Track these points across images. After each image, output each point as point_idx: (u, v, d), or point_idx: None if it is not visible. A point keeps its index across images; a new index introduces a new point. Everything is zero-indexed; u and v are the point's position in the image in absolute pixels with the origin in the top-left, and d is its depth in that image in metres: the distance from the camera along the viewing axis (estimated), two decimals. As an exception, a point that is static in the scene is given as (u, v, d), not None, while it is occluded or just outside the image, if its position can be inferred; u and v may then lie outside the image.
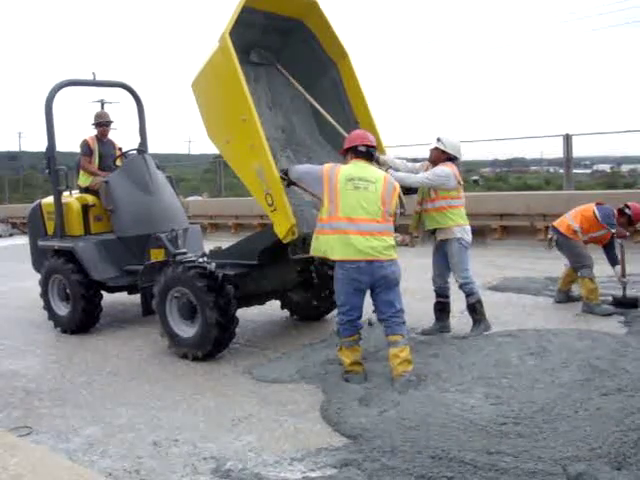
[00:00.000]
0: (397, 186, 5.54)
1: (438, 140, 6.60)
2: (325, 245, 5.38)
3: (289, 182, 5.78)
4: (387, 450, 4.08)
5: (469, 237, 6.58)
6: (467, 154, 15.62)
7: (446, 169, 6.43)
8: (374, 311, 5.60)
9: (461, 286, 6.58)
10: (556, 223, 7.99)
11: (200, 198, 22.66)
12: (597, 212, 7.64)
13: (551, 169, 31.77)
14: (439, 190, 6.45)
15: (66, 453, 4.42)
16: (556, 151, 18.25)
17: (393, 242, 5.40)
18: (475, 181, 28.34)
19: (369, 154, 5.60)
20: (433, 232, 6.67)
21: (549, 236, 7.98)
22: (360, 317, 5.50)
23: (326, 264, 7.42)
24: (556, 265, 10.50)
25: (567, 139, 14.31)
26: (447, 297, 6.84)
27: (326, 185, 5.38)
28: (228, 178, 23.82)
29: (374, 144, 5.66)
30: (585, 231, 7.71)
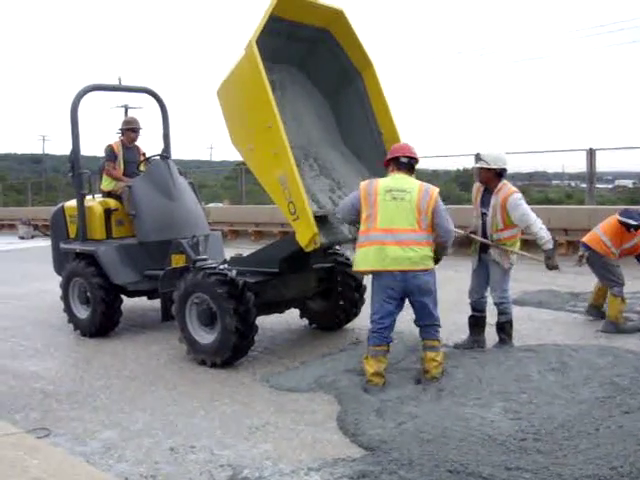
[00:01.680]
0: (434, 194, 5.52)
1: (479, 158, 6.42)
2: (359, 258, 5.49)
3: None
4: (405, 463, 4.05)
5: (515, 261, 6.47)
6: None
7: (518, 195, 6.23)
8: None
9: (497, 304, 6.49)
10: (586, 239, 7.71)
11: (221, 205, 22.74)
12: (624, 219, 7.40)
13: (572, 183, 31.52)
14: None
15: (83, 456, 4.43)
16: (578, 165, 18.15)
17: (429, 252, 5.45)
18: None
19: (410, 166, 5.72)
20: (482, 248, 6.48)
21: (580, 253, 7.70)
22: (391, 328, 5.54)
23: (347, 274, 7.44)
24: (577, 280, 10.45)
25: (590, 154, 14.22)
26: (482, 311, 6.71)
27: (364, 200, 5.51)
28: (249, 185, 23.89)
29: (416, 156, 5.77)
30: (617, 244, 7.49)
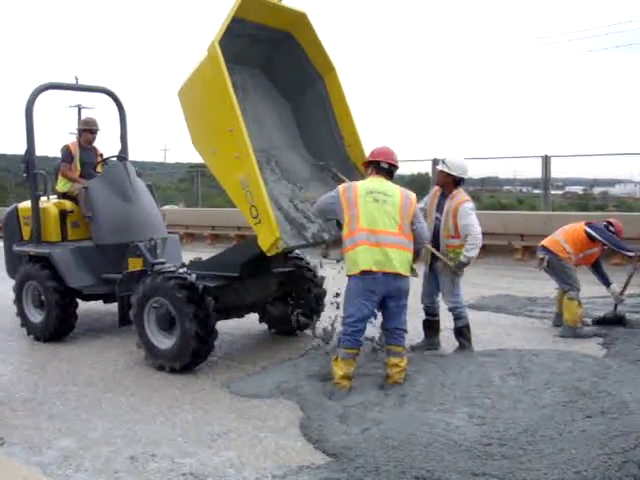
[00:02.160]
0: (413, 199, 5.59)
1: (442, 163, 6.55)
2: (351, 262, 5.41)
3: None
4: (371, 470, 4.02)
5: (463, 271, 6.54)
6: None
7: (470, 205, 6.36)
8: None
9: (451, 309, 6.57)
10: (546, 243, 7.85)
11: (176, 207, 22.51)
12: (593, 233, 7.62)
13: (524, 189, 32.00)
14: None
15: (40, 467, 4.30)
16: (529, 172, 18.46)
17: (409, 257, 5.47)
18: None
19: (389, 172, 5.72)
20: (433, 255, 6.55)
21: (540, 256, 7.82)
22: (363, 331, 5.51)
23: (307, 278, 7.40)
24: (533, 285, 10.60)
25: (546, 160, 14.45)
26: (435, 315, 6.83)
27: (345, 202, 5.48)
28: (204, 188, 23.70)
29: (397, 164, 5.78)
30: (578, 251, 7.66)
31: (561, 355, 6.03)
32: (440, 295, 6.74)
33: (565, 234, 7.82)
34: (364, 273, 5.32)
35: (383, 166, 5.68)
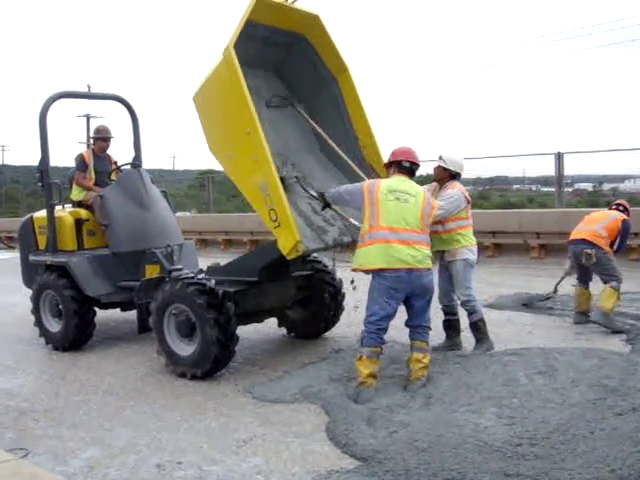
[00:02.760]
0: (435, 205, 5.74)
1: (440, 158, 6.60)
2: (363, 257, 5.46)
3: (325, 204, 5.97)
4: (401, 473, 3.97)
5: (475, 256, 6.55)
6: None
7: (453, 190, 6.42)
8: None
9: (462, 304, 6.53)
10: (588, 237, 7.65)
11: (188, 214, 22.52)
12: (623, 228, 7.65)
13: (533, 187, 31.90)
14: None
15: (65, 476, 4.25)
16: (540, 169, 18.39)
17: (430, 252, 5.52)
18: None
19: (411, 171, 5.77)
20: (442, 252, 6.57)
21: (588, 252, 7.57)
22: (386, 330, 5.51)
23: (326, 281, 7.36)
24: (551, 282, 10.47)
25: (559, 157, 14.35)
26: (455, 314, 6.79)
27: (367, 198, 5.51)
28: (214, 194, 23.73)
29: (418, 162, 5.82)
30: (612, 242, 7.67)
31: (586, 352, 5.95)
32: (451, 294, 6.71)
33: (605, 227, 7.68)
34: (386, 271, 5.34)
35: (405, 165, 5.71)
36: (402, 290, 5.38)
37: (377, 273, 5.41)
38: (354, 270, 5.60)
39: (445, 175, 6.57)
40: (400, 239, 5.34)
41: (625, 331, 7.26)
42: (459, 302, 6.59)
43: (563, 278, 8.67)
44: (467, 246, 6.46)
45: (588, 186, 33.23)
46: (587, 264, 7.68)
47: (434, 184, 6.73)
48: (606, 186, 31.61)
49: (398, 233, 5.35)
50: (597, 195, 27.82)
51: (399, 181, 5.63)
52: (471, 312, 6.53)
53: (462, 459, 4.04)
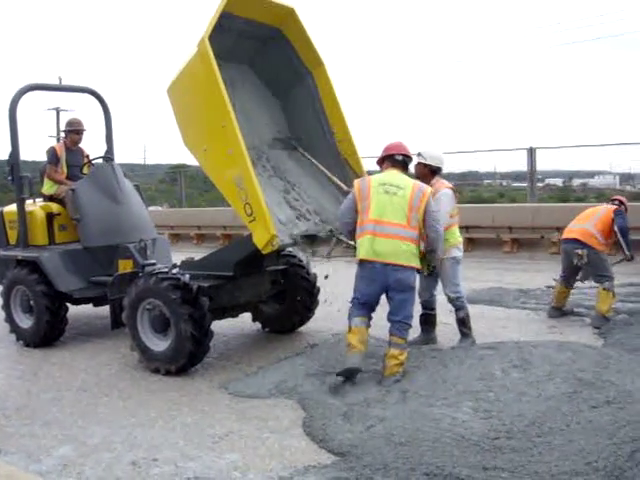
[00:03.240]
0: (426, 193, 5.62)
1: (419, 155, 6.57)
2: (359, 248, 5.56)
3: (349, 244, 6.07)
4: (379, 467, 3.96)
5: (462, 253, 6.58)
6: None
7: (445, 191, 6.40)
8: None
9: (452, 300, 6.55)
10: (579, 236, 7.59)
11: (160, 208, 22.35)
12: (617, 221, 7.52)
13: (504, 182, 32.18)
14: None
15: (39, 475, 4.18)
16: (512, 165, 18.56)
17: (415, 250, 5.53)
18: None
19: (404, 163, 5.84)
20: None
21: (579, 252, 7.53)
22: (372, 308, 5.62)
23: (301, 276, 7.34)
24: (524, 277, 10.59)
25: (531, 152, 14.46)
26: (433, 309, 6.83)
27: (358, 195, 5.61)
28: (186, 189, 23.58)
29: (410, 154, 5.90)
30: (609, 238, 7.58)
31: (560, 346, 5.97)
32: (436, 289, 6.74)
33: (596, 224, 7.61)
34: (364, 262, 5.47)
35: (397, 158, 5.78)
36: (378, 281, 5.46)
37: (359, 263, 5.55)
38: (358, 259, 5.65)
39: (426, 171, 6.52)
40: (383, 232, 5.43)
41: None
42: (448, 298, 6.58)
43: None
44: (455, 244, 6.47)
45: (558, 181, 33.60)
46: (578, 264, 7.65)
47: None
48: (576, 181, 32.00)
49: (382, 226, 5.44)
50: (567, 190, 28.13)
51: (390, 175, 5.70)
52: (460, 308, 6.57)
53: (440, 453, 4.04)
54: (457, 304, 6.54)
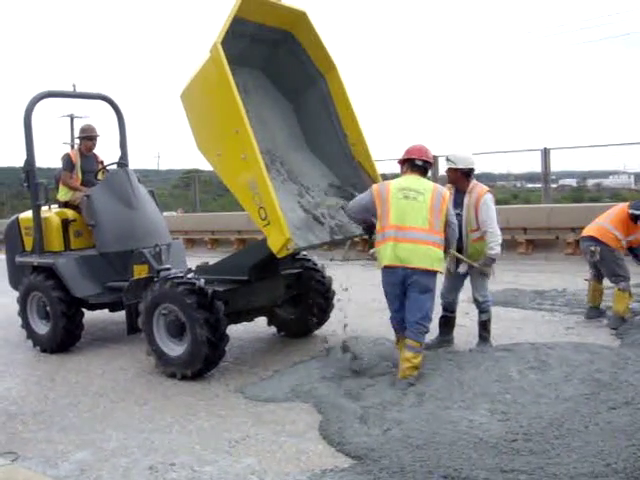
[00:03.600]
0: (446, 196, 5.66)
1: (448, 160, 6.49)
2: (381, 255, 5.57)
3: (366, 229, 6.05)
4: (396, 471, 3.94)
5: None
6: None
7: (490, 196, 6.36)
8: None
9: (480, 303, 6.53)
10: (594, 233, 7.57)
11: (175, 214, 22.43)
12: (633, 210, 7.39)
13: (518, 184, 32.05)
14: None
15: (57, 480, 4.20)
16: (525, 166, 18.50)
17: (439, 254, 5.53)
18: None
19: (424, 169, 5.82)
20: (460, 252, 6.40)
21: (591, 249, 7.52)
22: (400, 323, 5.66)
23: (316, 279, 7.33)
24: (539, 278, 10.53)
25: (545, 153, 14.39)
26: (454, 312, 6.80)
27: (377, 199, 5.62)
28: (200, 194, 23.65)
29: (431, 160, 5.88)
30: (626, 234, 7.45)
31: (577, 347, 5.95)
32: (460, 291, 6.73)
33: (612, 220, 7.55)
34: (387, 268, 5.50)
35: (417, 163, 5.74)
36: (397, 282, 5.48)
37: (382, 269, 5.58)
38: (380, 267, 5.67)
39: (458, 175, 6.41)
40: (405, 237, 5.43)
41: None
42: (477, 301, 6.55)
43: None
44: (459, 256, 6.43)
45: (572, 182, 33.41)
46: (592, 260, 7.61)
47: (447, 186, 6.46)
48: (590, 182, 31.80)
49: (404, 231, 5.44)
50: (582, 191, 27.97)
51: (409, 180, 5.69)
52: (485, 311, 6.57)
53: (457, 456, 4.02)
54: (483, 307, 6.53)
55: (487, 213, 6.26)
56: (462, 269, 6.45)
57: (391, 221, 5.47)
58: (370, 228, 5.91)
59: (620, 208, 7.62)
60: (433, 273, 5.50)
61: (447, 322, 6.80)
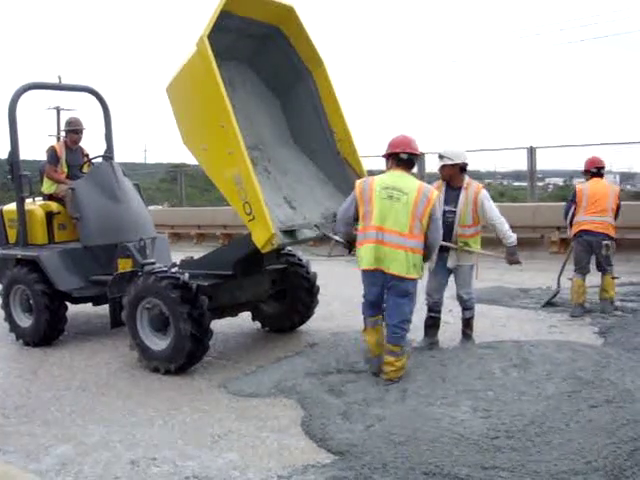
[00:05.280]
0: (432, 197, 5.39)
1: (441, 157, 6.38)
2: (361, 256, 5.45)
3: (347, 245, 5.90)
4: (378, 467, 3.96)
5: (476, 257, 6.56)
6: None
7: (486, 192, 6.38)
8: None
9: (465, 301, 6.54)
10: (607, 231, 7.84)
11: (160, 207, 22.34)
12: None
13: (504, 182, 32.16)
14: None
15: (37, 474, 4.18)
16: (512, 164, 18.58)
17: (418, 260, 5.37)
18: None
19: (410, 162, 5.55)
20: (444, 249, 6.31)
21: (607, 243, 7.80)
22: (380, 304, 5.56)
23: (300, 275, 7.33)
24: (524, 276, 10.56)
25: (531, 151, 14.45)
26: (439, 312, 6.71)
27: (360, 198, 5.44)
28: (186, 188, 23.57)
29: (417, 151, 5.57)
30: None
31: (560, 345, 5.97)
32: (445, 290, 6.66)
33: (613, 209, 7.90)
34: (366, 271, 5.43)
35: (402, 157, 5.46)
36: (378, 285, 5.43)
37: (362, 272, 5.49)
38: (360, 269, 5.55)
39: (455, 171, 6.32)
40: (384, 240, 5.28)
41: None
42: (462, 298, 6.55)
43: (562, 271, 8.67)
44: (479, 251, 6.49)
45: (559, 181, 33.54)
46: (605, 254, 7.85)
47: (437, 183, 6.46)
48: (576, 181, 31.86)
49: (384, 233, 5.28)
50: (568, 190, 28.05)
51: (394, 176, 5.45)
52: (469, 308, 6.59)
53: (439, 452, 4.04)
54: (467, 304, 6.55)
55: (491, 207, 6.30)
56: (451, 264, 6.41)
57: (374, 221, 5.30)
58: (351, 244, 5.78)
59: (615, 195, 7.96)
60: (412, 281, 5.37)
61: (434, 323, 6.71)
